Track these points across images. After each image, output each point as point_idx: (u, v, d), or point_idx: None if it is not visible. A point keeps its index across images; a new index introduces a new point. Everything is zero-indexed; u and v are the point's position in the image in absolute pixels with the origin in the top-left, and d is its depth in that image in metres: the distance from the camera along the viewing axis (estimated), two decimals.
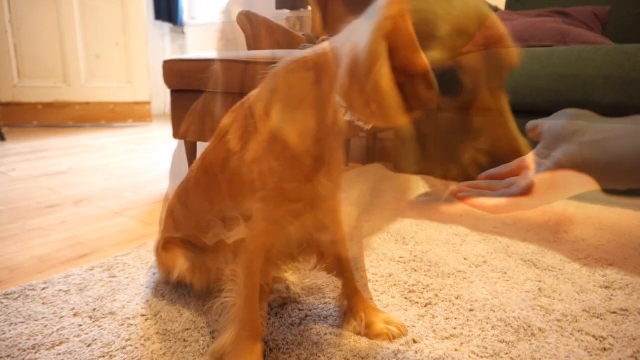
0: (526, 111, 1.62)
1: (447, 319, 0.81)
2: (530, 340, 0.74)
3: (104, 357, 0.69)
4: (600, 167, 0.40)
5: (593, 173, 0.41)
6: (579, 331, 0.77)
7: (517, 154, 0.49)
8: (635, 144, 0.38)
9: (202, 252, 0.87)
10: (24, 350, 0.70)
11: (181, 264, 0.84)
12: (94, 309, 0.83)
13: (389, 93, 0.44)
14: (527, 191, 0.44)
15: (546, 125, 0.47)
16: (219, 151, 0.74)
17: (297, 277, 0.97)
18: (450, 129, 0.52)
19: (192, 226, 0.85)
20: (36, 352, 0.70)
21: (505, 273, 0.99)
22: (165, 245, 0.88)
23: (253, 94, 0.69)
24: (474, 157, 0.51)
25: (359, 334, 0.76)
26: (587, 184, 0.42)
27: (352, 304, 0.80)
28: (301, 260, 0.85)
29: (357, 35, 0.47)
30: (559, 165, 0.42)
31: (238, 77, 1.62)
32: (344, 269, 0.81)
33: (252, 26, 2.21)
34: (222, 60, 1.65)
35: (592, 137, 0.41)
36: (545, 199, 0.45)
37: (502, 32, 0.51)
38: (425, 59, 0.45)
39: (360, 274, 0.80)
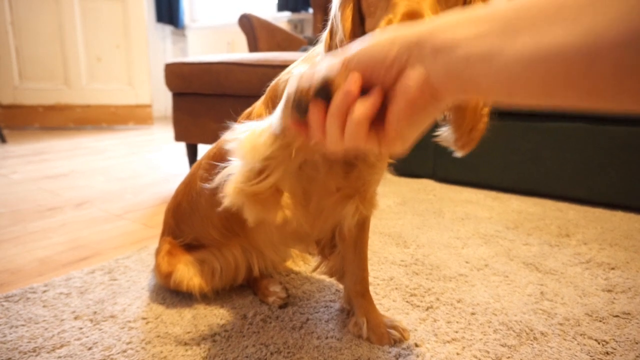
0: (526, 113, 1.62)
1: (448, 322, 0.80)
2: (532, 344, 0.74)
3: None
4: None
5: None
6: (581, 335, 0.77)
7: None
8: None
9: (205, 251, 0.87)
10: (25, 353, 0.70)
11: (184, 273, 0.85)
12: (95, 312, 0.82)
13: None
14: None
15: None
16: None
17: (298, 280, 0.97)
18: None
19: (199, 223, 0.85)
20: (37, 355, 0.69)
21: (507, 276, 0.99)
22: (166, 254, 0.88)
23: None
24: None
25: (360, 337, 0.76)
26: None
27: (353, 307, 0.80)
28: (311, 250, 0.86)
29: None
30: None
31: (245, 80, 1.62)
32: (346, 272, 0.81)
33: (253, 29, 2.21)
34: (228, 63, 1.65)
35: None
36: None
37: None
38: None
39: (362, 274, 0.80)
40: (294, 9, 3.49)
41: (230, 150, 0.49)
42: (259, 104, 0.77)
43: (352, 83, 0.37)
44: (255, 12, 2.31)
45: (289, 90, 0.43)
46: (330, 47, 0.59)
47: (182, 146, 2.64)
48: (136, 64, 3.63)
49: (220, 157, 0.80)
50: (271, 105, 0.72)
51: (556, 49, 0.26)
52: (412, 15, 0.45)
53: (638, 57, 0.23)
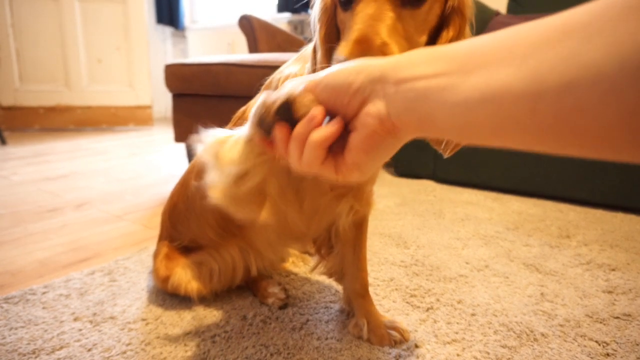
0: None
1: (448, 323, 0.80)
2: (532, 345, 0.74)
3: None
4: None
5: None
6: (581, 336, 0.77)
7: None
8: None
9: (202, 252, 0.87)
10: (24, 355, 0.70)
11: (182, 277, 0.85)
12: (95, 313, 0.82)
13: None
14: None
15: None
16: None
17: (298, 281, 0.97)
18: None
19: (195, 223, 0.85)
20: (36, 357, 0.69)
21: (507, 277, 0.99)
22: (164, 258, 0.88)
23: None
24: None
25: (360, 338, 0.76)
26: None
27: (353, 308, 0.80)
28: (309, 250, 0.85)
29: None
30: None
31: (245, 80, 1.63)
32: (345, 272, 0.81)
33: (253, 30, 2.21)
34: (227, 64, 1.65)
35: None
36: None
37: None
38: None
39: (361, 275, 0.80)
40: (294, 10, 3.49)
41: (204, 159, 0.49)
42: (252, 103, 0.78)
43: (317, 109, 0.38)
44: (255, 13, 2.31)
45: (255, 107, 0.44)
46: (315, 61, 0.60)
47: (182, 147, 2.64)
48: (136, 65, 3.63)
49: None
50: None
51: (503, 90, 0.26)
52: (363, 42, 0.46)
53: (576, 103, 0.23)
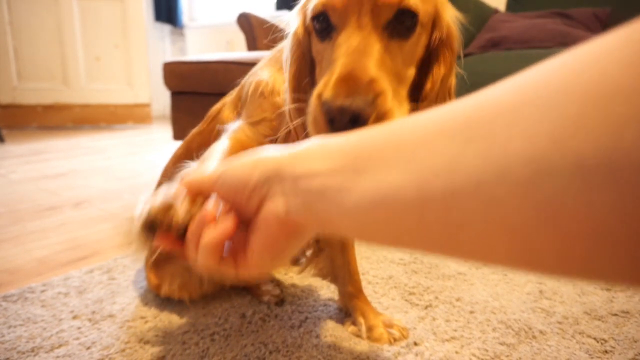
0: None
1: (447, 321, 0.80)
2: (531, 343, 0.74)
3: (103, 359, 0.69)
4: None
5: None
6: (580, 333, 0.77)
7: None
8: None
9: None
10: (23, 353, 0.70)
11: (173, 286, 0.84)
12: (93, 312, 0.82)
13: None
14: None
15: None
16: (209, 132, 0.76)
17: (297, 278, 0.97)
18: None
19: None
20: (35, 355, 0.69)
21: (506, 275, 0.99)
22: (153, 266, 0.87)
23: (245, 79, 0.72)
24: None
25: (359, 336, 0.76)
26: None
27: (351, 306, 0.80)
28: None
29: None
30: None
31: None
32: (337, 275, 0.81)
33: (252, 28, 2.21)
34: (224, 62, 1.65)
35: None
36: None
37: None
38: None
39: (352, 277, 0.80)
40: (293, 8, 3.48)
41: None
42: (228, 107, 0.77)
43: (209, 209, 0.36)
44: (254, 11, 2.30)
45: (137, 212, 0.42)
46: (285, 101, 0.58)
47: None
48: (135, 63, 3.62)
49: (186, 157, 0.80)
50: (239, 106, 0.73)
51: (391, 196, 0.24)
52: (349, 80, 0.43)
53: (460, 217, 0.21)
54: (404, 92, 0.50)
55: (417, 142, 0.23)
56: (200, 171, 0.39)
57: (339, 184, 0.27)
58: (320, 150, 0.30)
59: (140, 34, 3.61)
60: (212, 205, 0.36)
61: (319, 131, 0.45)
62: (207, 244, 0.35)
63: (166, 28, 4.61)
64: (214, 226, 0.35)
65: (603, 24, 1.91)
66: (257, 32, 2.22)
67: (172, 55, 4.66)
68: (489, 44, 1.84)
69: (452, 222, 0.21)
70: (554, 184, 0.17)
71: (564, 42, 1.70)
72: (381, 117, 0.43)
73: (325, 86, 0.44)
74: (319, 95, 0.44)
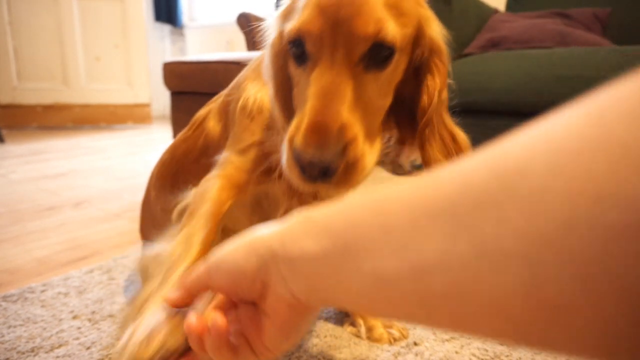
0: (526, 112, 1.62)
1: None
2: None
3: (103, 359, 0.69)
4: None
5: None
6: None
7: None
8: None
9: None
10: (23, 353, 0.70)
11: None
12: (93, 312, 0.82)
13: None
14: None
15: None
16: (195, 140, 0.76)
17: None
18: None
19: (151, 225, 0.85)
20: (35, 355, 0.69)
21: None
22: None
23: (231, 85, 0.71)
24: None
25: (359, 337, 0.76)
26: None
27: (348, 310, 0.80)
28: None
29: None
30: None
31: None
32: None
33: (252, 28, 2.21)
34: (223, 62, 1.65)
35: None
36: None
37: None
38: None
39: None
40: None
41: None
42: (213, 115, 0.76)
43: (192, 321, 0.36)
44: (254, 11, 2.30)
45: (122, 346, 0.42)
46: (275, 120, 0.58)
47: None
48: (135, 63, 3.62)
49: (171, 164, 0.80)
50: (225, 118, 0.72)
51: (393, 281, 0.24)
52: (319, 131, 0.42)
53: (461, 305, 0.21)
54: (378, 121, 0.50)
55: (405, 228, 0.23)
56: (193, 271, 0.39)
57: (334, 264, 0.27)
58: (307, 228, 0.29)
59: (140, 34, 3.61)
60: (194, 317, 0.37)
61: (292, 174, 0.46)
62: (211, 347, 0.36)
63: (166, 28, 4.61)
64: (208, 332, 0.36)
65: (603, 24, 1.92)
66: (255, 32, 2.22)
67: (172, 55, 4.66)
68: (489, 44, 1.84)
69: (453, 312, 0.22)
70: (554, 288, 0.17)
71: (564, 42, 1.70)
72: (351, 166, 0.44)
73: (297, 130, 0.44)
74: (291, 140, 0.45)
